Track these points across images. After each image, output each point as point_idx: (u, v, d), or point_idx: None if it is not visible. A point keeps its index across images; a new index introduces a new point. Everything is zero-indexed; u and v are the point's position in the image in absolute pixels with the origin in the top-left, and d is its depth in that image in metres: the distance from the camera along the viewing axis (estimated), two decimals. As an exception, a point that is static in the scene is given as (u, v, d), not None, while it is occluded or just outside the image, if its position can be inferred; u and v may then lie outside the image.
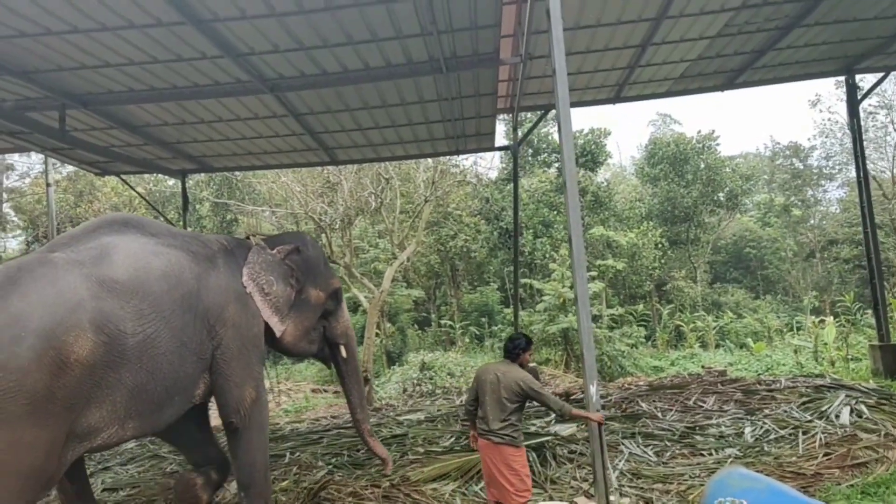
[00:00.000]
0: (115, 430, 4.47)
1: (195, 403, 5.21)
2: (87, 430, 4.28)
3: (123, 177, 13.70)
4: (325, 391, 17.71)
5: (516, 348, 5.11)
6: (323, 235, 19.75)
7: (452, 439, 7.85)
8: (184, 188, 13.35)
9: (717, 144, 25.84)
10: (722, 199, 26.13)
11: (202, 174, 22.00)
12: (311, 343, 6.29)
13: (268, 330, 5.72)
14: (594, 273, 19.82)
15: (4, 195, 20.19)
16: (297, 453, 7.60)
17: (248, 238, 6.22)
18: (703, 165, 25.30)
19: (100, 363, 4.24)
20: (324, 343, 6.50)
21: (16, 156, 20.02)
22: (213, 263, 5.44)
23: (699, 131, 26.16)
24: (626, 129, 59.74)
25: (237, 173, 22.93)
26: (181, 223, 14.13)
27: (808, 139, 46.81)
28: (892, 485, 5.36)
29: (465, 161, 23.44)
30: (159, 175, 21.14)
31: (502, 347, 5.29)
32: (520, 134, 13.66)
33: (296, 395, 14.56)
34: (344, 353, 6.56)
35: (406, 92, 8.90)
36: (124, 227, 5.09)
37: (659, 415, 8.63)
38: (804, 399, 8.63)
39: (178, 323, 4.84)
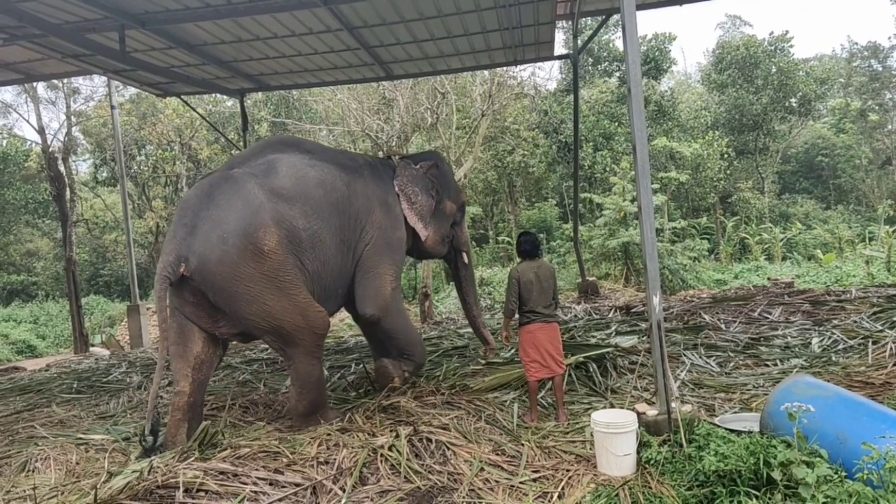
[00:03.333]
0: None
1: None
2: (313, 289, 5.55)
3: (184, 98, 13.88)
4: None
5: (537, 245, 5.83)
6: (380, 153, 19.77)
7: (512, 351, 7.96)
8: (242, 108, 13.45)
9: (791, 47, 24.40)
10: (794, 105, 24.89)
11: (260, 94, 22.11)
12: (444, 247, 7.30)
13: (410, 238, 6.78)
14: (656, 186, 19.34)
15: (73, 118, 20.74)
16: (362, 364, 7.85)
17: (389, 158, 7.14)
18: (774, 69, 24.03)
19: (286, 250, 5.32)
20: (451, 248, 7.43)
21: (80, 79, 20.41)
22: (360, 174, 6.36)
23: (771, 33, 24.67)
24: (691, 34, 56.92)
25: (294, 92, 22.92)
26: (241, 143, 14.30)
27: (889, 38, 43.67)
28: (965, 394, 5.23)
29: (523, 72, 22.78)
30: (218, 96, 21.35)
31: (522, 250, 5.82)
32: (580, 42, 13.14)
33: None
34: (465, 259, 7.56)
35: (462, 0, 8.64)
36: (285, 146, 6.15)
37: (722, 326, 8.54)
38: (875, 309, 8.39)
39: (335, 222, 5.86)
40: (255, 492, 4.08)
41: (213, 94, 19.90)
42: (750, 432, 4.39)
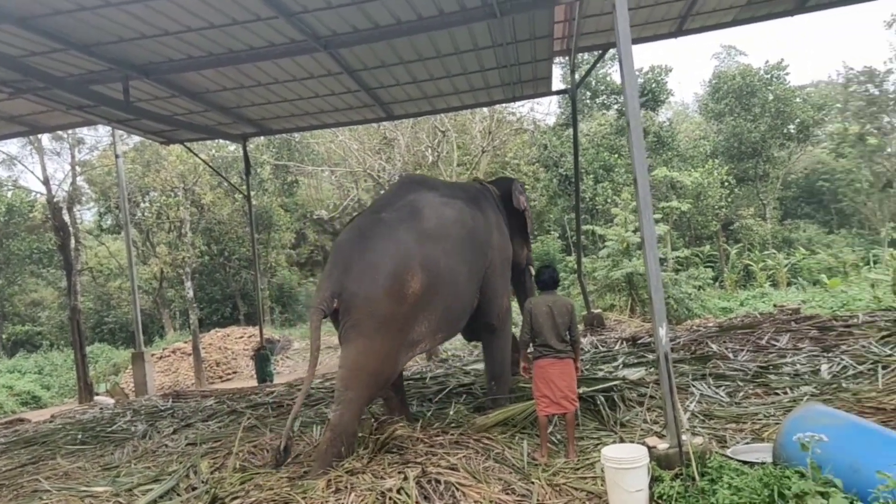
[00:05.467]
0: (430, 340, 6.13)
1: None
2: (413, 341, 5.91)
3: (187, 144, 14.03)
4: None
5: (557, 279, 5.95)
6: (381, 192, 19.87)
7: (517, 384, 7.89)
8: (245, 152, 13.59)
9: (787, 74, 24.76)
10: (792, 131, 25.11)
11: (262, 138, 22.35)
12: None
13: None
14: (658, 215, 19.39)
15: (77, 168, 20.97)
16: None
17: (478, 182, 7.99)
18: (771, 97, 24.28)
19: (425, 293, 5.77)
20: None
21: (84, 129, 20.70)
22: (478, 204, 6.98)
23: (767, 61, 25.02)
24: (687, 65, 57.52)
25: (295, 135, 23.18)
26: (244, 187, 14.42)
27: (884, 63, 44.05)
28: (979, 417, 5.17)
29: (522, 108, 23.11)
30: (221, 141, 21.63)
31: (540, 281, 5.89)
32: (577, 76, 13.32)
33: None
34: (532, 272, 7.99)
35: (460, 40, 8.77)
36: (417, 185, 6.82)
37: (730, 355, 8.48)
38: (884, 333, 8.32)
39: (468, 256, 6.38)
40: (265, 539, 4.03)
41: (216, 140, 20.14)
42: (763, 463, 4.34)
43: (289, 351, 20.64)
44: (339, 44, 8.21)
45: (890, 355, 7.41)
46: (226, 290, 27.46)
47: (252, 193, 14.99)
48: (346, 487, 4.77)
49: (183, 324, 27.78)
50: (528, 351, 5.82)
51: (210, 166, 18.55)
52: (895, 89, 27.31)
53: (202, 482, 5.48)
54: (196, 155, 16.60)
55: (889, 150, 27.74)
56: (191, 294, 21.79)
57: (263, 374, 13.46)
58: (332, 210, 25.27)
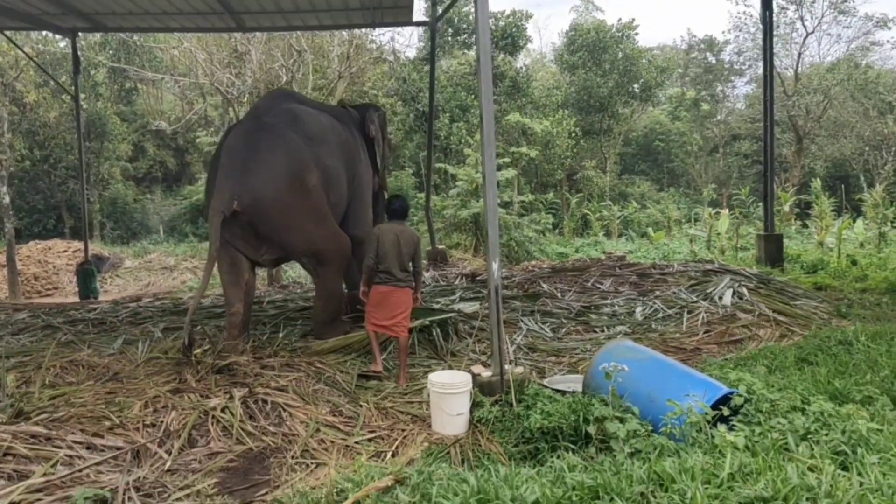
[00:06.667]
0: None
1: None
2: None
3: (7, 34, 12.50)
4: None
5: (407, 210, 6.25)
6: (230, 109, 18.95)
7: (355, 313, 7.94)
8: (74, 48, 12.34)
9: (636, 34, 25.92)
10: (636, 90, 26.44)
11: (97, 35, 20.39)
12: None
13: None
14: (507, 160, 19.93)
15: None
16: (199, 326, 7.53)
17: (342, 105, 8.26)
18: (620, 55, 25.38)
19: (323, 187, 6.43)
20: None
21: None
22: (344, 123, 7.44)
23: (619, 19, 26.03)
24: (549, 14, 58.70)
25: (136, 38, 21.35)
26: (73, 87, 13.12)
27: (723, 33, 47.41)
28: (759, 359, 5.84)
29: (382, 37, 22.66)
30: (49, 35, 19.48)
31: (391, 210, 6.10)
32: (439, 10, 13.18)
33: (200, 273, 14.30)
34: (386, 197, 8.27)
35: (319, -46, 8.38)
36: (290, 97, 7.34)
37: (558, 295, 8.99)
38: (692, 282, 9.16)
39: (344, 161, 6.99)
40: (70, 456, 3.83)
41: (44, 33, 18.11)
42: (573, 392, 4.67)
43: (119, 269, 19.41)
44: (187, -62, 7.57)
45: (695, 301, 8.19)
46: (49, 200, 25.13)
47: (84, 97, 13.74)
48: (166, 406, 4.62)
49: (-3, 233, 25.26)
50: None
51: (34, 61, 16.65)
52: (730, 59, 29.52)
53: (7, 395, 5.09)
54: (18, 47, 14.86)
55: (719, 117, 30.12)
56: (7, 200, 19.72)
57: (87, 291, 12.62)
58: (174, 123, 23.70)
